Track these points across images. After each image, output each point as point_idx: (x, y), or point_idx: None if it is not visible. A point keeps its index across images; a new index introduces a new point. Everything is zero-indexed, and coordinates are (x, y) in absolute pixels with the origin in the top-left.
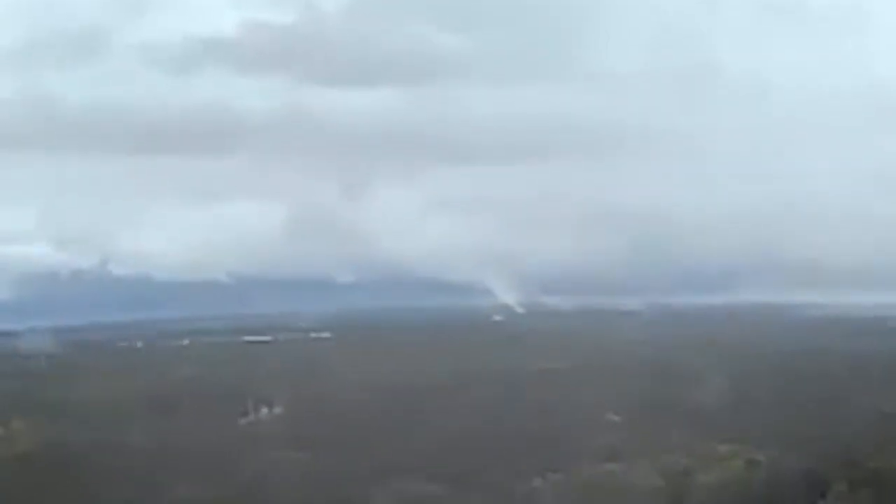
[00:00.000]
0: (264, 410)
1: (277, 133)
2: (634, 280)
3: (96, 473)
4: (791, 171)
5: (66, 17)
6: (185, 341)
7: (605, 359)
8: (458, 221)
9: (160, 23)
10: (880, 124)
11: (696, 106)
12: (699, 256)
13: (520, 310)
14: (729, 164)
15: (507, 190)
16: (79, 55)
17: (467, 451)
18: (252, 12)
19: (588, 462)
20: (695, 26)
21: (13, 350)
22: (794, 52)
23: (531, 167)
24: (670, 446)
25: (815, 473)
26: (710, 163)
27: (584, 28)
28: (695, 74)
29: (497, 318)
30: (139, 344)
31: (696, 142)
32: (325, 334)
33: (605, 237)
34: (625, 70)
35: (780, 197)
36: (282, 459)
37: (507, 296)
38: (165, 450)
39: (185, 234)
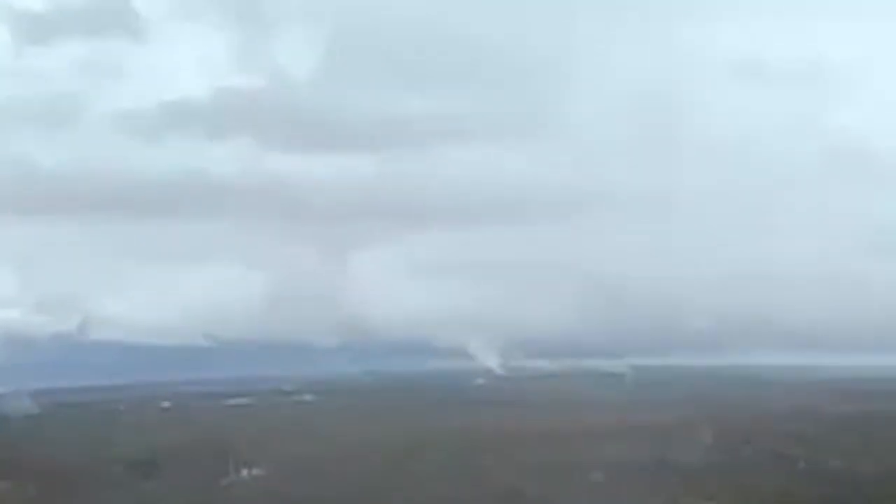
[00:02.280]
0: (245, 472)
1: (252, 198)
2: (617, 343)
3: None
4: (768, 231)
5: (40, 83)
6: (166, 404)
7: (589, 420)
8: (438, 285)
9: (133, 89)
10: (853, 181)
11: (674, 165)
12: (682, 319)
13: (502, 373)
14: (711, 225)
15: (485, 253)
16: (54, 122)
17: None
18: (223, 79)
19: None
20: (670, 85)
21: None
22: (763, 111)
23: (508, 229)
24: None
25: None
26: (690, 224)
27: (555, 87)
28: (672, 133)
29: (479, 381)
30: (119, 407)
31: (673, 203)
32: (307, 397)
33: (586, 300)
34: (601, 129)
35: (759, 258)
36: None
37: (489, 359)
38: None
39: (163, 297)
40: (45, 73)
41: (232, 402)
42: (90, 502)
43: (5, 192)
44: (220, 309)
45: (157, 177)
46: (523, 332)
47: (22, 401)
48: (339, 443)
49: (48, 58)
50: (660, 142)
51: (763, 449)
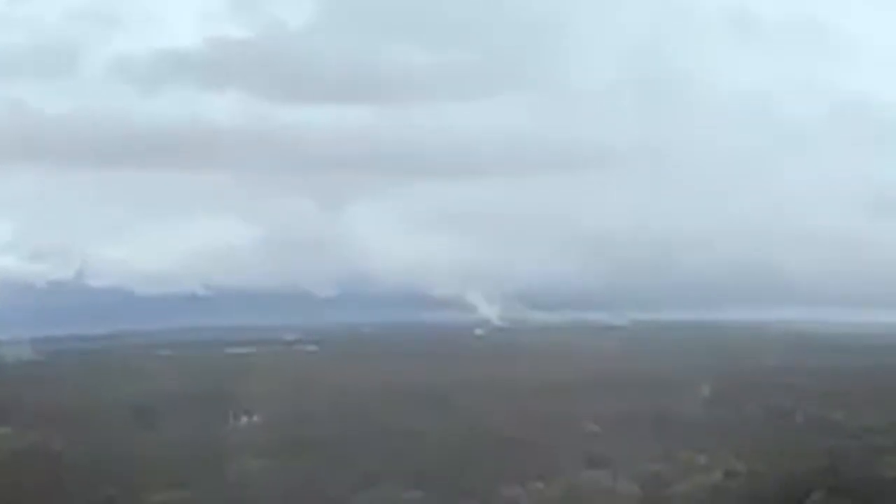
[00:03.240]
0: (244, 419)
1: (250, 148)
2: (616, 296)
3: (75, 477)
4: (769, 187)
5: (35, 33)
6: (165, 352)
7: (587, 372)
8: (437, 237)
9: (128, 38)
10: (858, 139)
11: (672, 121)
12: (682, 273)
13: (501, 324)
14: (709, 180)
15: (486, 205)
16: (49, 70)
17: (448, 461)
18: (218, 28)
19: (568, 470)
20: (668, 40)
21: None
22: (765, 66)
23: (509, 182)
24: (650, 456)
25: (794, 482)
26: (691, 178)
27: (555, 42)
28: (670, 88)
29: (479, 332)
30: (118, 354)
31: (674, 157)
32: (307, 346)
33: (585, 253)
34: (599, 83)
35: (760, 214)
36: (261, 467)
37: (489, 311)
38: (143, 456)
39: (162, 246)
40: (39, 22)
41: (231, 350)
42: (90, 447)
43: (1, 140)
44: (218, 258)
45: (154, 126)
46: (522, 285)
47: (20, 347)
48: (339, 391)
49: (41, 5)
50: (661, 97)
51: (761, 402)
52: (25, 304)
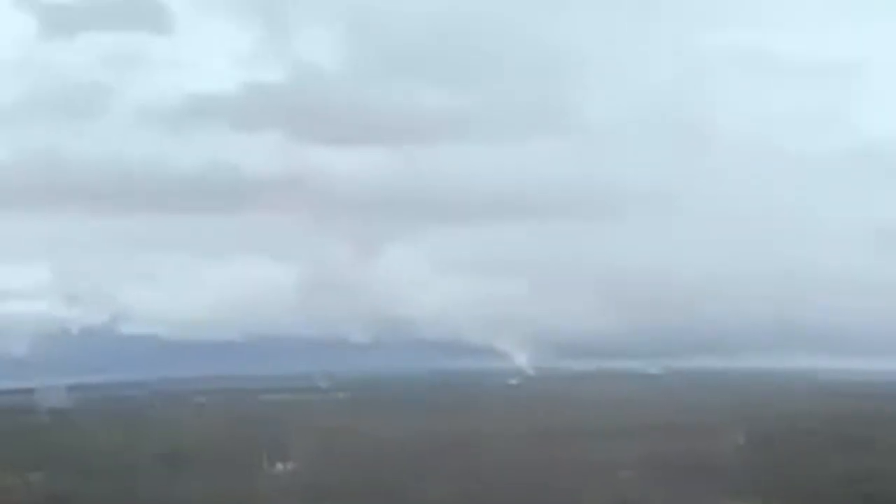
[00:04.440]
0: (279, 466)
1: (282, 192)
2: (649, 344)
3: None
4: (798, 232)
5: (69, 77)
6: (200, 399)
7: (621, 419)
8: (468, 282)
9: (160, 83)
10: (880, 181)
11: (697, 164)
12: (713, 320)
13: (535, 373)
14: (737, 225)
15: (519, 250)
16: (83, 114)
17: None
18: (248, 73)
19: None
20: (683, 84)
21: (29, 406)
22: (784, 110)
23: (542, 227)
24: (681, 500)
25: None
26: (722, 223)
27: (575, 84)
28: (691, 133)
29: (512, 381)
30: (153, 402)
31: (700, 203)
32: (341, 394)
33: (618, 300)
34: (625, 126)
35: (789, 260)
36: None
37: (521, 359)
38: (178, 501)
39: (194, 291)
40: (72, 66)
41: (266, 397)
42: (124, 495)
43: (36, 184)
44: (252, 304)
45: (185, 170)
46: (555, 332)
47: (56, 395)
48: (374, 439)
49: (76, 50)
50: (686, 142)
51: (796, 449)
52: (59, 349)
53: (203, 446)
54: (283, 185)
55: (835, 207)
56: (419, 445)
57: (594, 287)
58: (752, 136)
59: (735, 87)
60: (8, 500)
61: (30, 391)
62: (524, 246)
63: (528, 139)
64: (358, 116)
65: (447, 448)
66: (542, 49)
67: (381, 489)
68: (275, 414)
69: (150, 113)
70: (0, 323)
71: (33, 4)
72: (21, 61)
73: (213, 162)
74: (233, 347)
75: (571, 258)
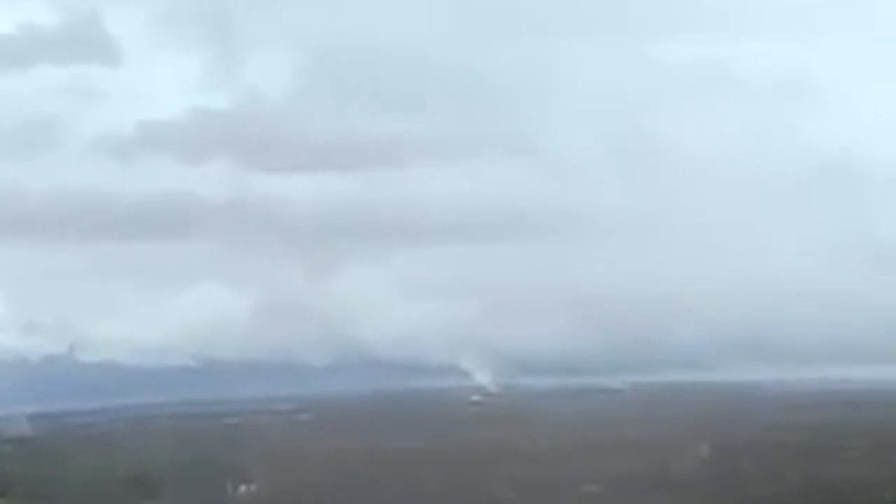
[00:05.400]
0: (243, 489)
1: (235, 218)
2: (610, 360)
3: None
4: (757, 247)
5: (18, 110)
6: (160, 425)
7: (585, 436)
8: (427, 304)
9: (110, 113)
10: (845, 195)
11: (659, 183)
12: (676, 335)
13: (497, 390)
14: (700, 242)
15: (473, 271)
16: (34, 146)
17: None
18: (198, 100)
19: None
20: (648, 104)
21: None
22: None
23: (499, 248)
24: None
25: None
26: (682, 241)
27: (535, 106)
28: (656, 150)
29: (475, 398)
30: (115, 428)
31: (664, 219)
32: (302, 416)
33: (578, 318)
34: (580, 148)
35: (749, 274)
36: None
37: (484, 377)
38: None
39: (151, 319)
40: (21, 98)
41: (227, 421)
42: None
43: None
44: (209, 329)
45: (138, 199)
46: (516, 351)
47: (16, 423)
48: (337, 460)
49: (24, 83)
50: (644, 159)
51: (761, 462)
52: (20, 379)
53: (166, 470)
54: (236, 212)
55: (796, 222)
56: (383, 465)
57: (556, 306)
58: (712, 152)
59: (693, 103)
60: None
61: None
62: (484, 267)
63: (485, 161)
64: (310, 142)
65: (411, 467)
66: (497, 72)
67: None
68: (237, 437)
69: (101, 143)
70: None
71: None
72: None
73: (165, 190)
74: (191, 373)
75: (532, 278)
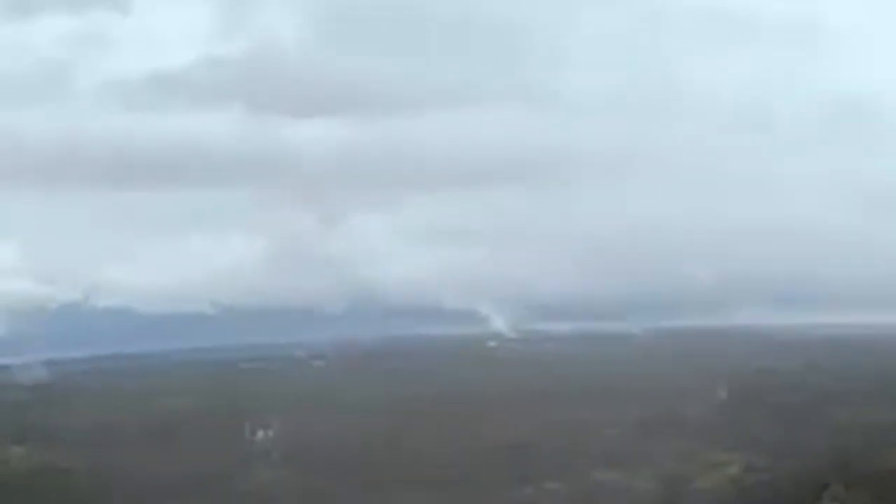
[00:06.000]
0: (260, 434)
1: (247, 165)
2: (628, 305)
3: (89, 494)
4: (768, 188)
5: (28, 58)
6: (176, 371)
7: (602, 379)
8: (442, 249)
9: (121, 60)
10: (855, 136)
11: (670, 125)
12: (691, 279)
13: (513, 335)
14: (713, 184)
15: (492, 215)
16: (43, 93)
17: (465, 466)
18: (209, 47)
19: (586, 472)
20: (659, 43)
21: (8, 382)
22: (754, 67)
23: (513, 191)
24: (668, 456)
25: (812, 476)
26: (694, 182)
27: (540, 50)
28: (666, 91)
29: (491, 344)
30: (130, 375)
31: (675, 161)
32: (318, 362)
33: (595, 262)
34: (595, 88)
35: (765, 216)
36: (278, 477)
37: (500, 323)
38: (159, 472)
39: (165, 266)
40: (31, 47)
41: (242, 367)
42: (106, 465)
43: (3, 165)
44: (224, 276)
45: (152, 145)
46: (532, 295)
47: (34, 370)
48: (353, 406)
49: (34, 31)
50: (654, 103)
51: (776, 403)
52: (36, 326)
53: (183, 417)
54: (249, 159)
55: (809, 164)
56: (401, 409)
57: (570, 251)
58: (723, 95)
59: (703, 47)
60: None
61: (7, 368)
62: (497, 212)
63: (496, 106)
64: (322, 89)
65: (429, 411)
66: (508, 17)
67: (363, 451)
68: (253, 383)
69: (111, 90)
70: None
71: None
72: None
73: (178, 137)
74: (206, 320)
75: (545, 223)
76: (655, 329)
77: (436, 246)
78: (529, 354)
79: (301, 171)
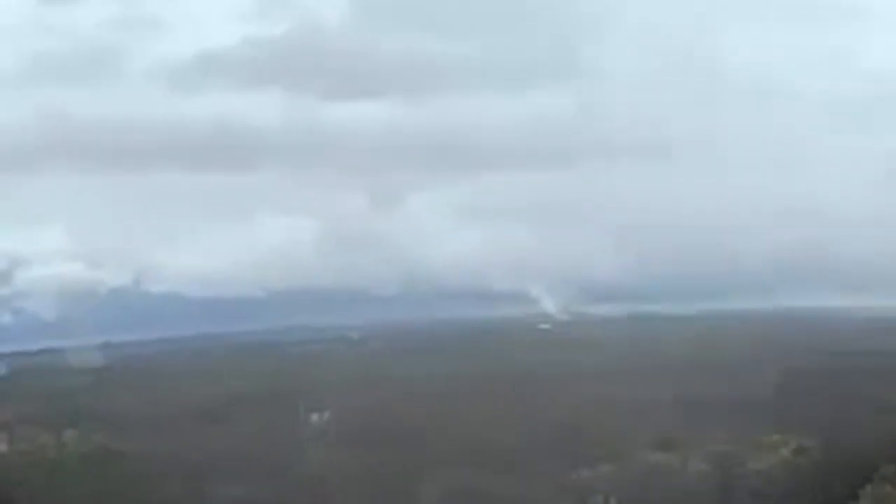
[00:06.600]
0: (315, 416)
1: (293, 146)
2: (679, 286)
3: (143, 476)
4: (819, 171)
5: (75, 40)
6: (227, 355)
7: (656, 361)
8: (492, 231)
9: (165, 42)
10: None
11: (713, 108)
12: (743, 260)
13: (565, 318)
14: (762, 164)
15: (538, 198)
16: (90, 76)
17: (521, 448)
18: (252, 27)
19: (640, 453)
20: (701, 23)
21: (61, 366)
22: (804, 46)
23: (558, 174)
24: (720, 437)
25: (863, 456)
26: (743, 163)
27: (587, 30)
28: (707, 75)
29: (543, 326)
30: (181, 358)
31: (720, 145)
32: (372, 345)
33: (643, 244)
34: (638, 73)
35: (811, 199)
36: (335, 458)
37: (550, 305)
38: (213, 454)
39: (215, 249)
40: (77, 29)
41: (295, 350)
42: (159, 448)
43: (51, 147)
44: (274, 259)
45: (197, 128)
46: (581, 278)
47: (86, 354)
48: (407, 387)
49: (79, 14)
50: (699, 83)
51: (827, 385)
52: (87, 310)
53: (236, 399)
54: (296, 140)
55: (858, 145)
56: (455, 391)
57: (620, 231)
58: (768, 75)
59: (747, 24)
60: (43, 458)
61: (60, 352)
62: (548, 194)
63: (548, 86)
64: (367, 68)
65: (483, 393)
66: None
67: (420, 432)
68: (306, 366)
69: (158, 72)
70: (26, 287)
71: None
72: (27, 26)
73: (224, 119)
74: (257, 303)
75: (596, 204)
76: (708, 311)
77: (485, 227)
78: (582, 336)
79: (349, 153)
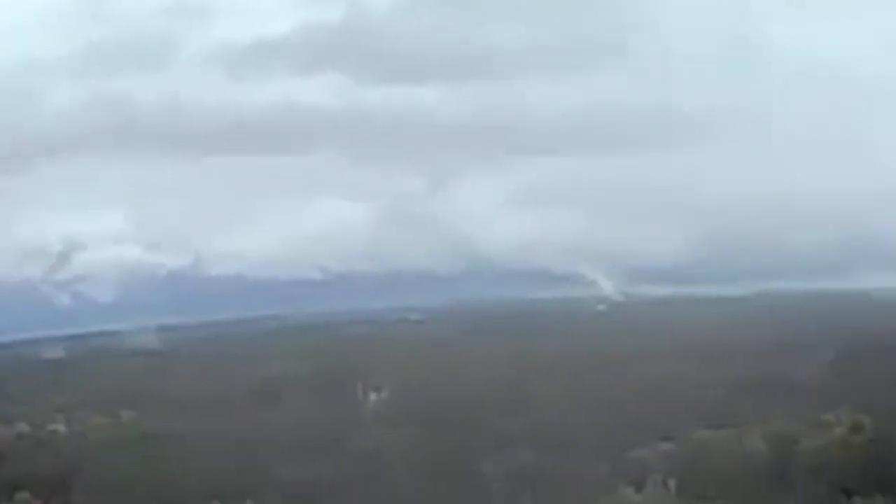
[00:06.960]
0: (373, 396)
1: (349, 131)
2: (733, 268)
3: (201, 458)
4: (870, 152)
5: (133, 27)
6: (286, 336)
7: (711, 340)
8: (548, 213)
9: (219, 28)
10: None
11: (766, 89)
12: (798, 242)
13: (622, 299)
14: (813, 146)
15: (592, 180)
16: (147, 63)
17: (580, 426)
18: (309, 13)
19: (696, 431)
20: (752, 5)
21: (119, 347)
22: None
23: (612, 156)
24: (776, 416)
25: None
26: (794, 145)
27: (637, 13)
28: (761, 56)
29: (601, 307)
30: (239, 340)
31: (773, 125)
32: (430, 326)
33: (697, 225)
34: (687, 55)
35: (871, 179)
36: (394, 438)
37: (607, 286)
38: (273, 435)
39: (273, 232)
40: (134, 16)
41: (353, 331)
42: (217, 429)
43: (109, 132)
44: (332, 241)
45: (254, 112)
46: (638, 259)
47: (145, 336)
48: (467, 367)
49: (140, 2)
50: (754, 64)
51: (883, 365)
52: (146, 293)
53: (295, 380)
54: (351, 125)
55: None
56: (514, 371)
57: (675, 213)
58: (822, 56)
59: (794, 12)
60: (101, 438)
61: (118, 334)
62: (602, 176)
63: (602, 70)
64: (422, 53)
65: (546, 373)
66: None
67: (479, 411)
68: (365, 347)
69: (213, 59)
70: (86, 269)
71: None
72: (86, 13)
73: (281, 103)
74: (316, 285)
75: (651, 186)
76: (761, 292)
77: (541, 210)
78: (639, 317)
79: (405, 136)
